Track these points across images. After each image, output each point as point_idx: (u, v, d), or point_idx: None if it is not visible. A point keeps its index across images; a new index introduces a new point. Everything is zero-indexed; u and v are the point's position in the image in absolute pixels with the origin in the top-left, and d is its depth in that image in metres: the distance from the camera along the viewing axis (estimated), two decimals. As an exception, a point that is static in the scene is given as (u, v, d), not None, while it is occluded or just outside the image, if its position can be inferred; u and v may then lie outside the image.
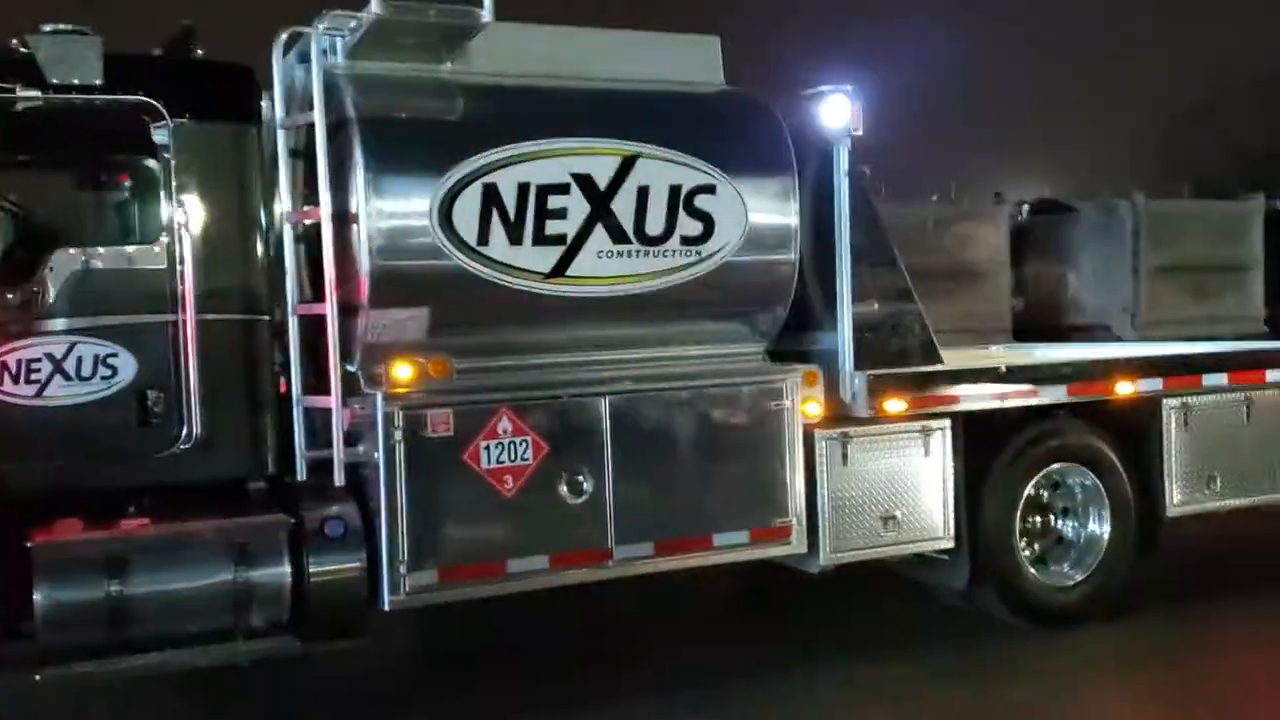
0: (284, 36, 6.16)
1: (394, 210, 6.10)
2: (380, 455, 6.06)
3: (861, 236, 7.24)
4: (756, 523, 6.92)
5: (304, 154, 6.25)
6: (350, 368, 6.28)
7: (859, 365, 7.17)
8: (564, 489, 6.43)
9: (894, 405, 7.18)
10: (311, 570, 6.06)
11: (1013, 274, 16.73)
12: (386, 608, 6.10)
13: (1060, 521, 8.00)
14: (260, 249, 6.25)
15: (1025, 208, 17.43)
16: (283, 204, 6.20)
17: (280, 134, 6.18)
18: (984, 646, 7.48)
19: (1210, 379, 8.23)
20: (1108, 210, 14.90)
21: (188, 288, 5.97)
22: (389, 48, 6.37)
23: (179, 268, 5.98)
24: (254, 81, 6.22)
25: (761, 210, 6.93)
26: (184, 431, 6.01)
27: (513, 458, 6.33)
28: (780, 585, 8.02)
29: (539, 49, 6.86)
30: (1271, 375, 8.40)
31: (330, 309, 6.04)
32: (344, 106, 6.14)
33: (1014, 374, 7.63)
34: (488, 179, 6.24)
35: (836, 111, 7.08)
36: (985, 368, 7.64)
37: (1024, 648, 7.46)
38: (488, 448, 6.27)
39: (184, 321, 5.98)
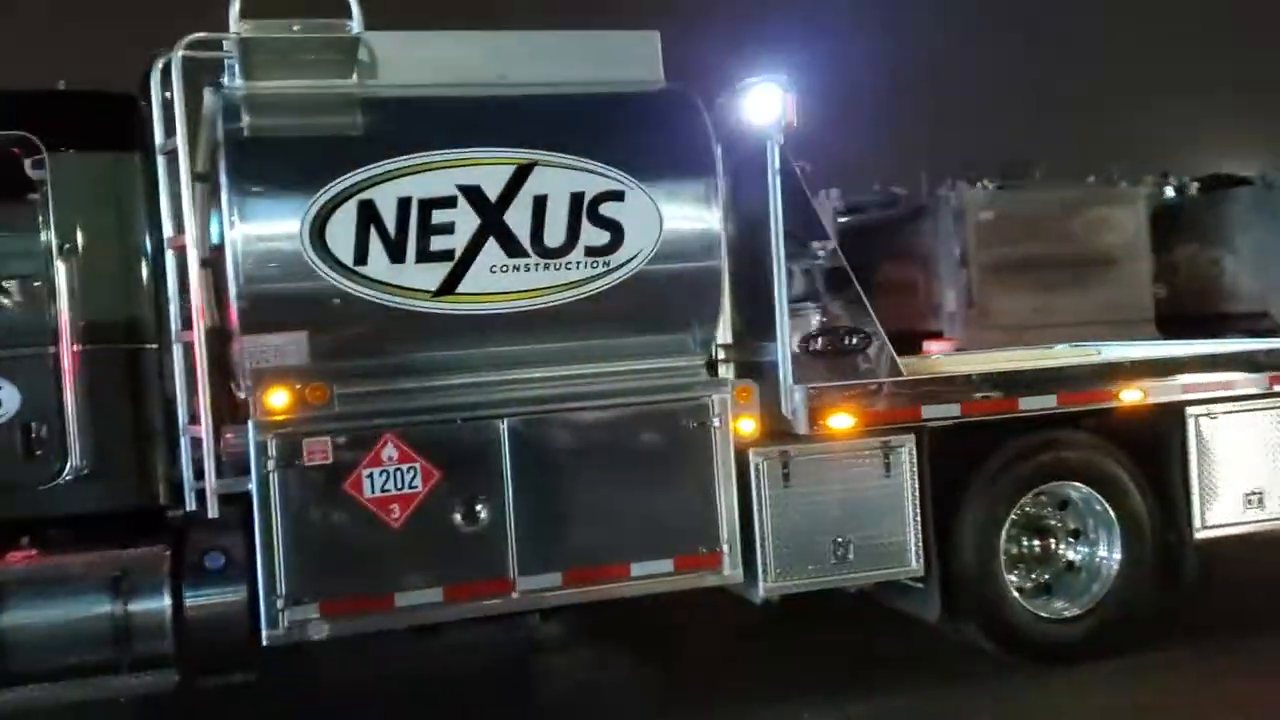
0: (160, 64, 6.06)
1: (262, 233, 5.92)
2: (254, 485, 5.89)
3: (800, 238, 6.65)
4: (681, 550, 6.43)
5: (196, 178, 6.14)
6: (243, 395, 6.15)
7: (800, 378, 6.59)
8: (458, 517, 6.11)
9: (840, 421, 6.57)
10: (189, 603, 5.95)
11: (1155, 259, 15.61)
12: (265, 642, 5.93)
13: (1064, 546, 7.19)
14: (146, 277, 6.18)
15: (1169, 187, 16.16)
16: (165, 231, 6.11)
17: (160, 160, 6.09)
18: (968, 684, 6.78)
19: (1245, 383, 7.24)
20: (1267, 186, 13.64)
21: (64, 320, 5.95)
22: (282, 66, 6.21)
23: (59, 299, 5.96)
24: (136, 109, 6.15)
25: (679, 215, 6.44)
26: (67, 463, 5.99)
27: (399, 486, 6.05)
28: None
29: (457, 56, 6.59)
30: (1324, 376, 7.35)
31: (198, 336, 5.91)
32: (215, 129, 6.02)
33: (988, 383, 6.88)
34: (363, 195, 5.99)
35: (766, 104, 6.53)
36: (953, 376, 6.93)
37: (1007, 690, 6.73)
38: (371, 476, 6.01)
39: (64, 353, 5.96)
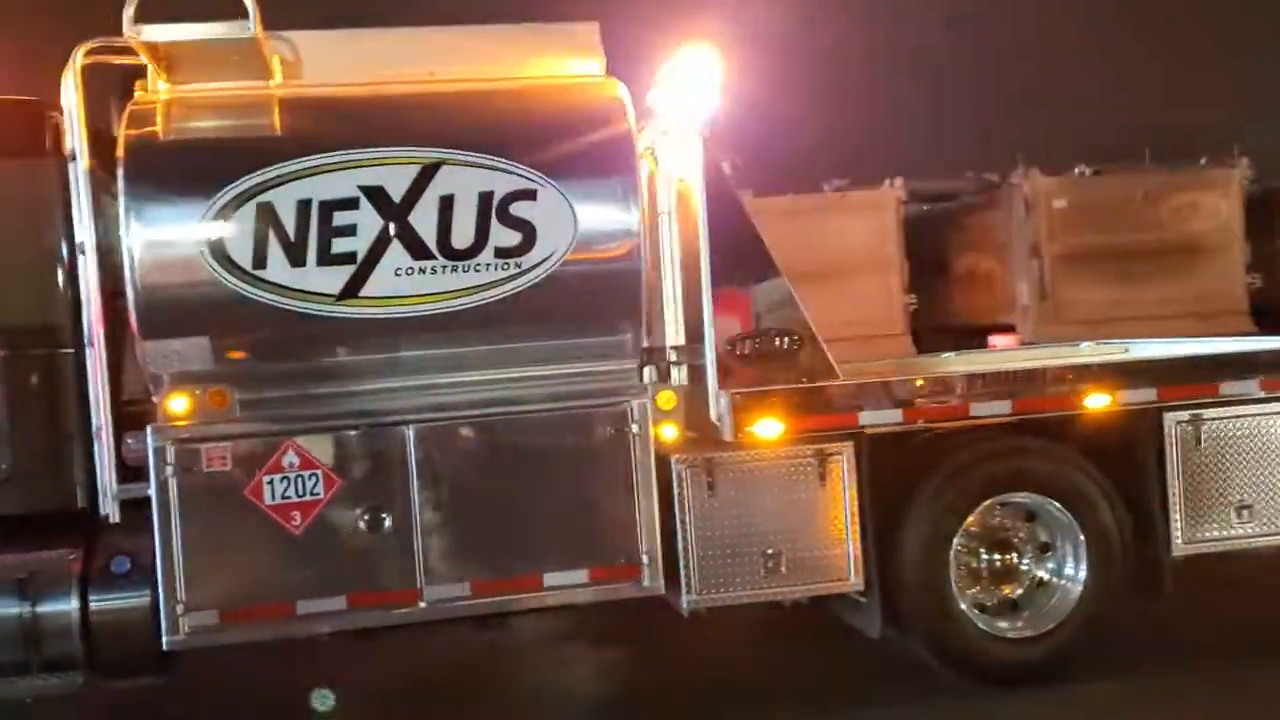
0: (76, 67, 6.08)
1: (159, 238, 5.88)
2: (153, 491, 5.89)
3: (727, 237, 6.35)
4: (597, 560, 6.23)
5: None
6: (156, 399, 6.16)
7: (730, 383, 6.31)
8: (362, 525, 6.02)
9: (767, 428, 6.26)
10: (94, 606, 6.00)
11: (1250, 247, 14.80)
12: (165, 648, 5.93)
13: (1032, 561, 6.73)
14: (62, 283, 6.22)
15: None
16: (77, 237, 6.14)
17: (71, 166, 6.11)
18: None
19: (1231, 386, 6.68)
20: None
21: (-25, 326, 6.04)
22: (196, 70, 6.18)
23: (-30, 307, 6.05)
24: (44, 116, 6.19)
25: (595, 215, 6.21)
26: (-14, 466, 6.08)
27: (300, 492, 5.98)
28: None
29: (386, 54, 6.48)
30: (1328, 380, 6.74)
31: (97, 341, 5.95)
32: (117, 134, 6.02)
33: (936, 387, 6.48)
34: (262, 198, 5.91)
35: (691, 98, 6.26)
36: (896, 380, 6.53)
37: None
38: (271, 482, 5.96)
39: (-23, 358, 6.06)
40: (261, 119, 6.17)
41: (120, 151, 5.91)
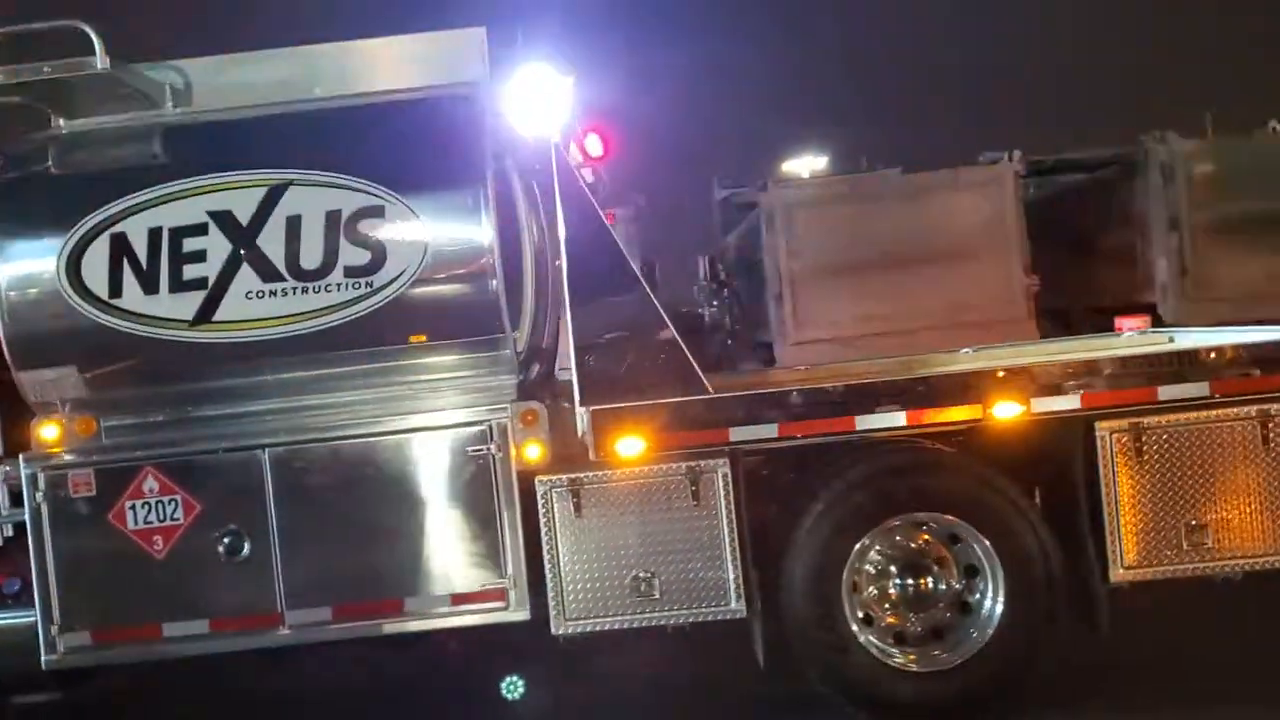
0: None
1: (23, 272, 6.07)
2: (27, 516, 6.10)
3: (587, 250, 6.03)
4: (459, 585, 6.08)
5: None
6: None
7: (591, 399, 6.00)
8: (221, 550, 6.06)
9: (630, 446, 5.91)
10: (-14, 624, 6.28)
11: None
12: (44, 667, 6.14)
13: (953, 586, 6.10)
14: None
15: None
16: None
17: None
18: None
19: (1172, 391, 5.87)
20: None
21: None
22: (92, 101, 6.35)
23: None
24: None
25: (446, 230, 6.02)
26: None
27: (161, 518, 6.08)
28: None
29: (269, 77, 6.47)
30: (1296, 380, 5.84)
31: (-28, 371, 6.19)
32: None
33: (816, 399, 5.96)
34: (115, 229, 6.01)
35: (542, 105, 5.97)
36: (769, 392, 6.04)
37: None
38: (134, 508, 6.07)
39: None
40: (116, 151, 6.22)
41: (-8, 189, 6.13)
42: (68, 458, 6.12)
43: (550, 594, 6.01)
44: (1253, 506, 5.86)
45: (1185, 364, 5.94)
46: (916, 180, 15.60)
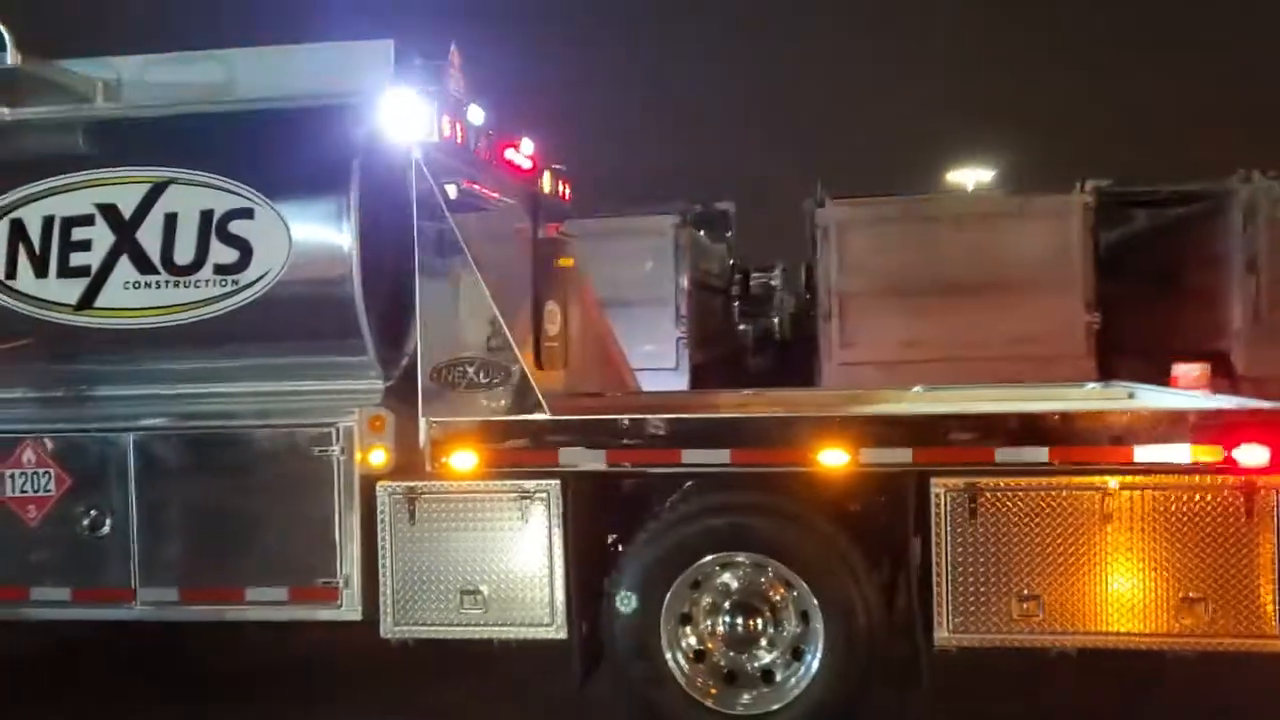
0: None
1: (-66, 254, 6.53)
2: (-83, 482, 6.57)
3: (438, 261, 6.11)
4: (296, 581, 6.27)
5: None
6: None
7: (429, 410, 6.09)
8: (85, 524, 6.41)
9: (463, 460, 5.99)
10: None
11: None
12: (-73, 621, 6.60)
13: (774, 632, 5.94)
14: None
15: None
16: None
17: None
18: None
19: (1009, 454, 5.61)
20: None
21: None
22: (27, 94, 6.76)
23: None
24: None
25: (308, 234, 6.19)
26: None
27: (35, 488, 6.46)
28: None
29: (187, 77, 6.75)
30: (1145, 454, 5.52)
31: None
32: None
33: (645, 430, 5.90)
34: (14, 215, 6.40)
35: (405, 116, 6.08)
36: (599, 419, 6.01)
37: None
38: (12, 476, 6.47)
39: None
40: (17, 143, 6.59)
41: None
42: (-47, 428, 6.55)
43: (381, 598, 6.14)
44: (1089, 582, 5.56)
45: (1028, 427, 5.66)
46: (978, 204, 15.12)
